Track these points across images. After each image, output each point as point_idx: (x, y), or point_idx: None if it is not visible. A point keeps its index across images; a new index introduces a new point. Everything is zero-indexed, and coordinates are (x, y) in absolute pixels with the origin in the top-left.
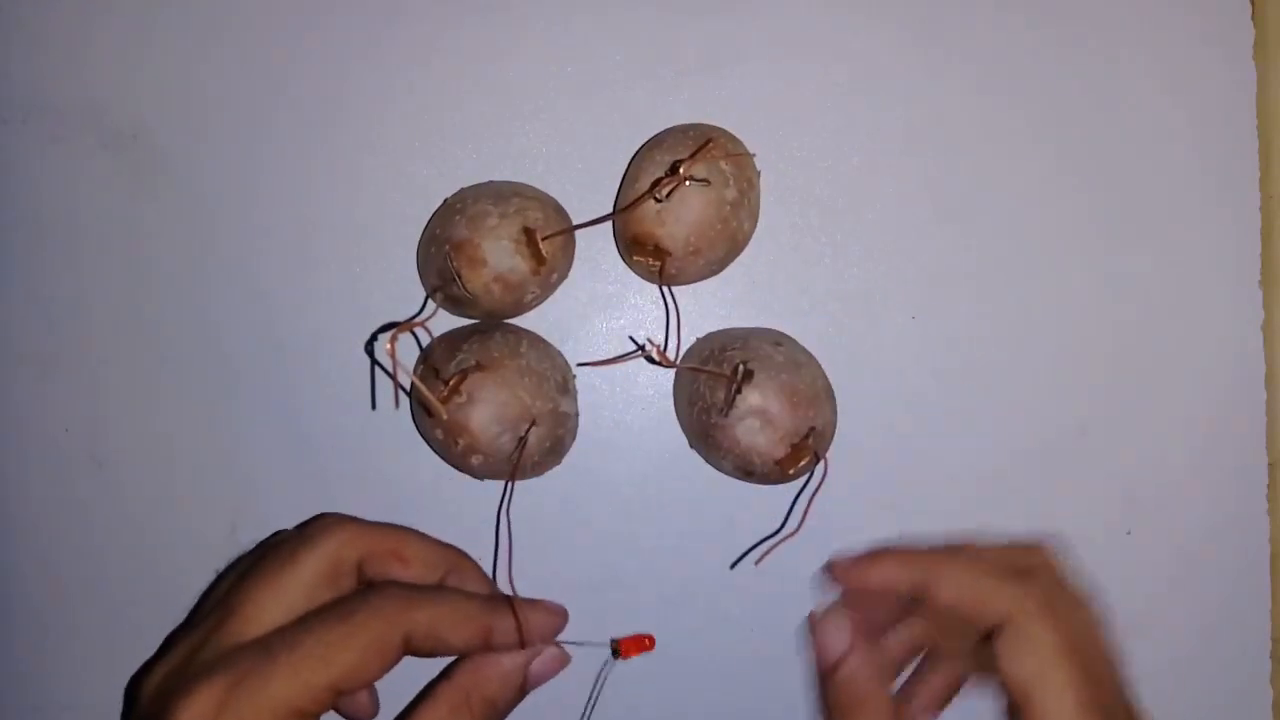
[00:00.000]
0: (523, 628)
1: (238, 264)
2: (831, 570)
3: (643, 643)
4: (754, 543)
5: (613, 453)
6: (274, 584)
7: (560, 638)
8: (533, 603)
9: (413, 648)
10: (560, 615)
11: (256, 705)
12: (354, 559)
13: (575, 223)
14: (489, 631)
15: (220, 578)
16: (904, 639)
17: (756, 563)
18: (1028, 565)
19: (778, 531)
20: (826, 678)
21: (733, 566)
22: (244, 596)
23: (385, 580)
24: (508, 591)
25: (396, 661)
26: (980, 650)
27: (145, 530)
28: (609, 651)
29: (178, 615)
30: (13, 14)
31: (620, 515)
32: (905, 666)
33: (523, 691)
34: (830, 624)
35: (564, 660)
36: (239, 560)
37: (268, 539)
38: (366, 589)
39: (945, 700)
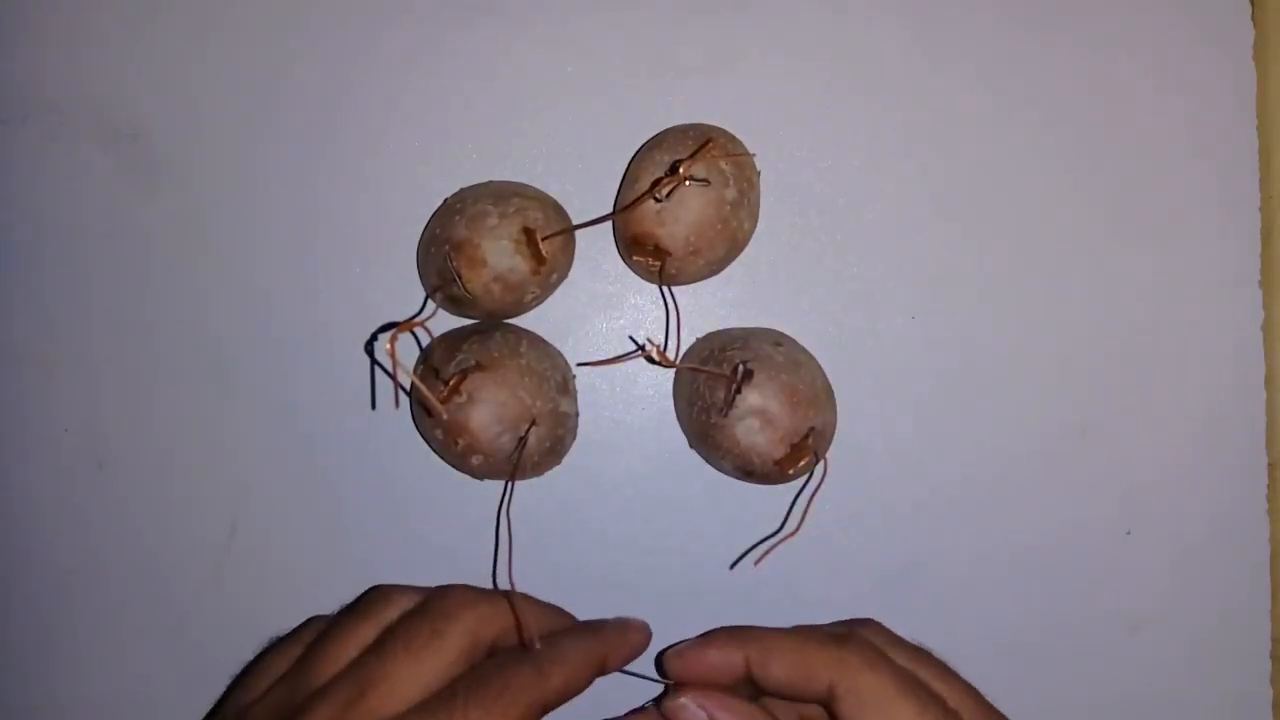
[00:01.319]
0: (627, 650)
1: (237, 264)
2: (666, 662)
3: None
4: (754, 543)
5: (613, 453)
6: (419, 660)
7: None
8: (620, 623)
9: (547, 710)
10: (645, 631)
11: None
12: (490, 637)
13: (575, 223)
14: (604, 661)
15: (332, 631)
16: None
17: (756, 563)
18: (846, 632)
19: (778, 531)
20: None
21: (733, 566)
22: (389, 670)
23: (510, 651)
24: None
25: None
26: None
27: (145, 530)
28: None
29: (178, 615)
30: (13, 14)
31: (620, 515)
32: None
33: None
34: (686, 705)
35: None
36: (348, 618)
37: (374, 594)
38: (496, 663)
39: None
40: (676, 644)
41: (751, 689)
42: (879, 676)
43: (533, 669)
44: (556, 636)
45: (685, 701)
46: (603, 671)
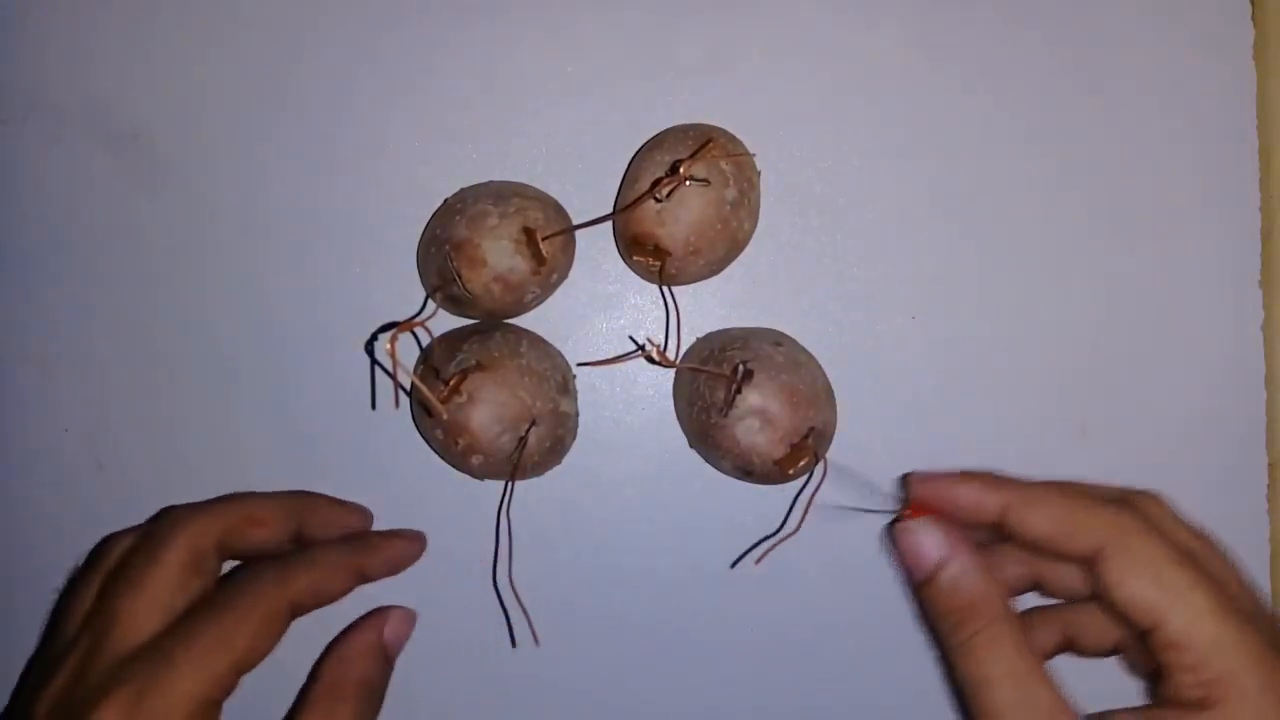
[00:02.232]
0: (389, 559)
1: (238, 264)
2: (910, 485)
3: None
4: (754, 543)
5: (613, 453)
6: (143, 589)
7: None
8: (391, 534)
9: (299, 612)
10: (419, 540)
11: (168, 706)
12: (212, 544)
13: (575, 223)
14: (361, 570)
15: (66, 595)
16: (1008, 563)
17: (756, 562)
18: (1122, 496)
19: (778, 531)
20: (926, 588)
21: (733, 566)
22: (117, 607)
23: (255, 556)
24: (507, 591)
25: (287, 629)
26: (1090, 584)
27: None
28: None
29: None
30: (13, 14)
31: (620, 515)
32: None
33: (389, 659)
34: (921, 527)
35: (412, 616)
36: (81, 574)
37: (101, 545)
38: (240, 572)
39: (1055, 649)
40: (922, 470)
41: (987, 536)
42: (1155, 542)
43: (275, 574)
44: (318, 543)
45: (928, 527)
46: (364, 579)
